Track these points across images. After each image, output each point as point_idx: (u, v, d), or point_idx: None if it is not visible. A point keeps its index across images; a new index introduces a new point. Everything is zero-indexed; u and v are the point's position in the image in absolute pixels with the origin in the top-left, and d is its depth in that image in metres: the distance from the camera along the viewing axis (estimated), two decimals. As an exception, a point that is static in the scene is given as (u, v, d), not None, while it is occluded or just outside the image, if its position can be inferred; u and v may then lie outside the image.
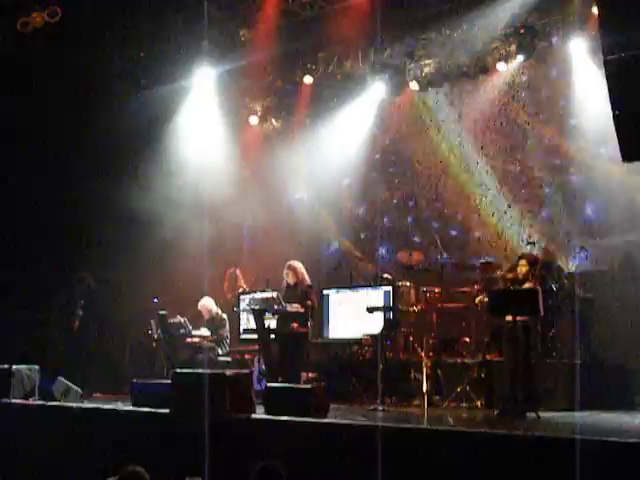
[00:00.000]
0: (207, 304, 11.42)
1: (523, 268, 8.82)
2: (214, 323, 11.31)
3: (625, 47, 6.40)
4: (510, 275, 9.04)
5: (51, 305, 13.39)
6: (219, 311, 11.43)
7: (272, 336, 10.23)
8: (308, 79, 13.52)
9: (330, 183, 14.19)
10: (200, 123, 13.70)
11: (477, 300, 10.11)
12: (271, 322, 10.26)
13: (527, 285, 8.74)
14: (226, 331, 11.32)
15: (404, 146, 13.70)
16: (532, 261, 8.94)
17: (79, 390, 9.97)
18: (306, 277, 10.25)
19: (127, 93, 13.21)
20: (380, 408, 8.89)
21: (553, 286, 9.80)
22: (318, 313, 11.04)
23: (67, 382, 9.94)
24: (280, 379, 9.66)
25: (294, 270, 10.19)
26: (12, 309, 12.39)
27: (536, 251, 10.73)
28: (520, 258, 9.11)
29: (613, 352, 10.02)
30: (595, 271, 11.13)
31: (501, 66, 12.14)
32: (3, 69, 11.98)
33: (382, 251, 13.50)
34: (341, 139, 13.91)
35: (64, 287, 12.36)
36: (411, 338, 10.77)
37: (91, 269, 12.23)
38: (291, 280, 10.18)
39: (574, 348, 9.69)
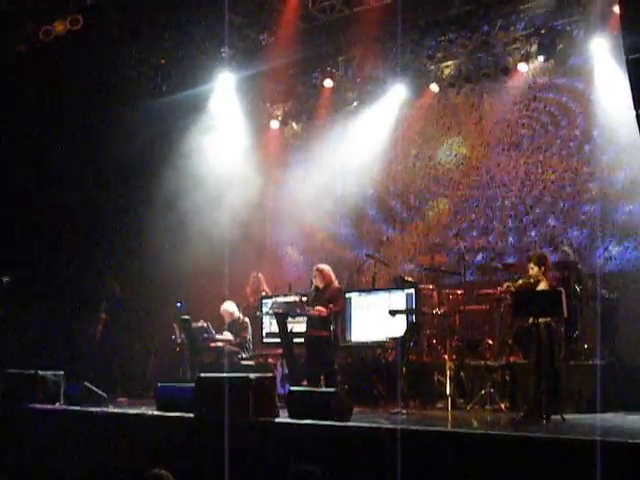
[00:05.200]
0: (228, 308, 11.46)
1: (532, 270, 8.60)
2: (236, 327, 11.34)
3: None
4: (520, 282, 8.79)
5: (76, 310, 13.51)
6: (241, 315, 11.47)
7: (295, 340, 10.24)
8: (328, 83, 13.55)
9: (352, 187, 14.20)
10: (221, 128, 13.74)
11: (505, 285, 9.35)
12: (294, 326, 10.28)
13: (542, 285, 8.51)
14: (248, 334, 11.34)
15: (425, 148, 13.64)
16: (539, 260, 8.65)
17: (104, 395, 10.02)
18: (334, 280, 10.23)
19: (148, 99, 13.31)
20: (404, 411, 8.87)
21: (577, 287, 9.71)
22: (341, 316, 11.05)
23: (92, 387, 10.00)
24: (304, 383, 9.68)
25: (322, 273, 10.17)
26: (37, 315, 12.51)
27: (559, 252, 10.68)
28: (528, 261, 8.80)
29: (638, 353, 9.94)
30: (620, 272, 11.06)
31: (522, 67, 12.10)
32: (25, 76, 12.13)
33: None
34: (362, 142, 13.89)
35: (89, 292, 12.46)
36: (434, 341, 10.75)
37: (115, 274, 12.31)
38: (319, 283, 10.16)
39: (598, 350, 9.60)
